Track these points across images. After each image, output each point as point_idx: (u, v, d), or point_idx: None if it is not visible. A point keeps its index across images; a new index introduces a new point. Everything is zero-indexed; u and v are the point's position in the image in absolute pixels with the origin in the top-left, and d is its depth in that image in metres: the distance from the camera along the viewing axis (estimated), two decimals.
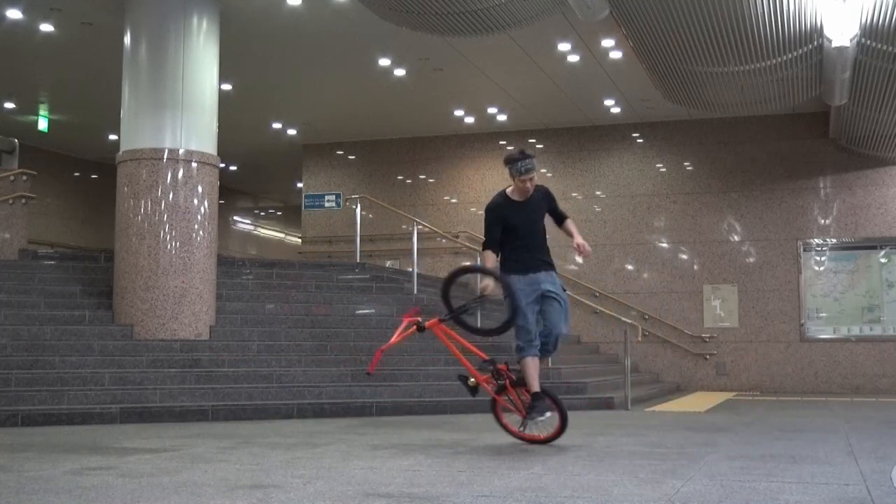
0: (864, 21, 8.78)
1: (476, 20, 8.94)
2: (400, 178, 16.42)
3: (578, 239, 6.21)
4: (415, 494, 4.11)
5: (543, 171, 15.56)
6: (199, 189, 9.68)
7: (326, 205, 16.81)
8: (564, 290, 6.22)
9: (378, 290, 12.05)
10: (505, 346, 9.46)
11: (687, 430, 7.55)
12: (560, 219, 6.44)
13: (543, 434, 6.10)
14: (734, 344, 14.31)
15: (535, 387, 5.96)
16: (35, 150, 16.31)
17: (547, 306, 6.08)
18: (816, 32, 9.16)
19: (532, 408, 5.92)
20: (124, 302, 9.47)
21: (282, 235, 25.65)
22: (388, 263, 15.32)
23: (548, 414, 5.93)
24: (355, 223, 13.76)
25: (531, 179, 6.10)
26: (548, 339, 6.10)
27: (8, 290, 10.05)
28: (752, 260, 14.43)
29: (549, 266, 6.22)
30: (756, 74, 10.16)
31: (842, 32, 8.96)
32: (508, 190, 6.27)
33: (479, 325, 6.41)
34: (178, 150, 9.58)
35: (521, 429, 6.12)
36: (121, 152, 9.75)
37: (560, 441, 6.08)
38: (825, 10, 8.82)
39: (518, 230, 6.13)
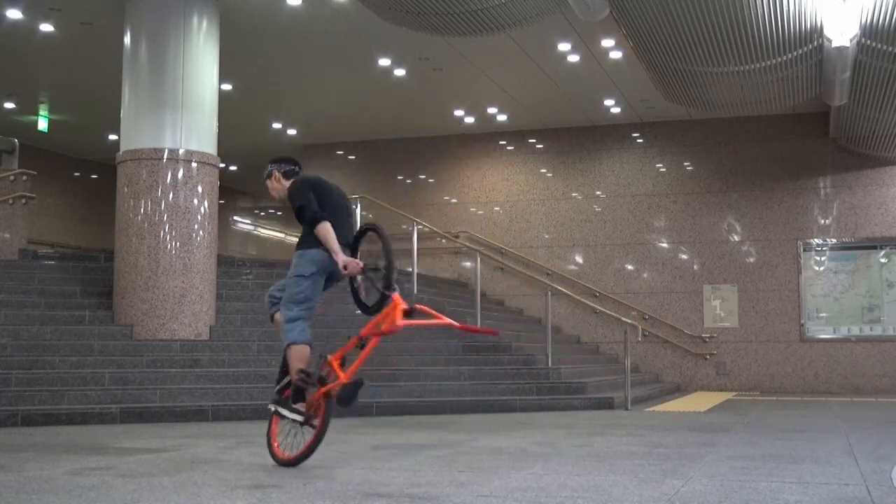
0: (864, 21, 8.77)
1: (476, 20, 8.93)
2: (400, 178, 16.41)
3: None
4: (415, 494, 4.10)
5: (543, 171, 15.59)
6: (199, 189, 9.68)
7: None
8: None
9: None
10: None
11: (687, 430, 7.55)
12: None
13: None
14: (734, 344, 14.31)
15: None
16: (35, 150, 16.29)
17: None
18: (816, 32, 9.15)
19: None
20: (124, 302, 9.47)
21: (282, 235, 25.64)
22: None
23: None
24: (355, 223, 13.72)
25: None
26: None
27: (8, 290, 10.06)
28: (752, 260, 14.42)
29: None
30: (756, 74, 10.15)
31: (842, 32, 8.96)
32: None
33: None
34: (178, 150, 9.58)
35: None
36: (121, 152, 9.76)
37: (560, 441, 6.08)
38: (825, 10, 8.81)
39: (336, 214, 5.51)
